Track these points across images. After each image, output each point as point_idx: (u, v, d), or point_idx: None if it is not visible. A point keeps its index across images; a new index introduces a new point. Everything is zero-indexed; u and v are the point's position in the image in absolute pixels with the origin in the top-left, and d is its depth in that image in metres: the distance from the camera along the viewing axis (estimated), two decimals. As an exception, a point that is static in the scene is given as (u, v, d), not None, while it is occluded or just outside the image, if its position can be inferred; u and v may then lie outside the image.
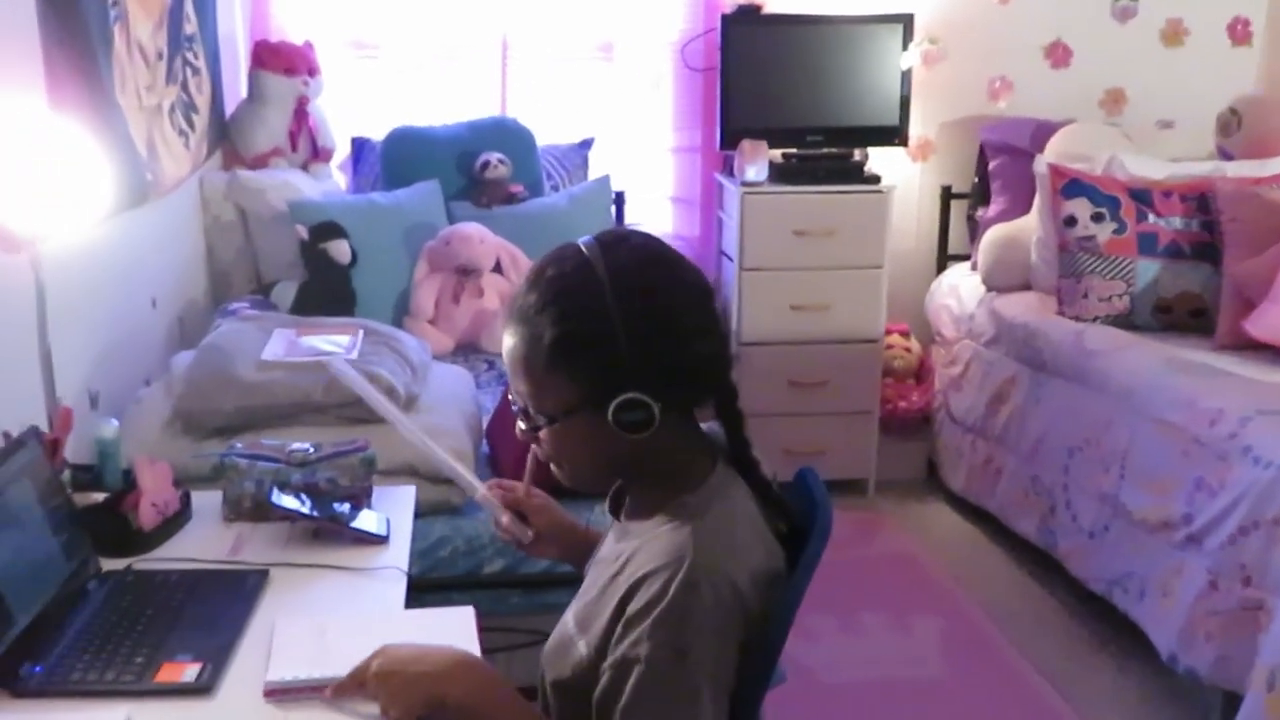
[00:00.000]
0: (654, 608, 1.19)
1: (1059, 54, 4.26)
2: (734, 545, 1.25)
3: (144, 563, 1.72)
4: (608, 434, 1.25)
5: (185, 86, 3.10)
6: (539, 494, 1.60)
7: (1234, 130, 3.92)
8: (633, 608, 1.21)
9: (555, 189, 3.90)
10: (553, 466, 1.36)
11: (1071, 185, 3.52)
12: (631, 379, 1.23)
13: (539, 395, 1.29)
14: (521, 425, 1.33)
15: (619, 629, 1.22)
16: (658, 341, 1.25)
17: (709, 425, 1.37)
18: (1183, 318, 3.38)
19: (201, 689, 1.39)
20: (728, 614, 1.21)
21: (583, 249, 1.28)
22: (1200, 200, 3.44)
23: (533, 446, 1.39)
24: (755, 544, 1.28)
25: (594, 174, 3.97)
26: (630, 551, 1.28)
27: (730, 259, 3.87)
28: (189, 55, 3.13)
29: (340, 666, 1.36)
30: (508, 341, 1.30)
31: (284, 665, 1.43)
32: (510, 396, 1.35)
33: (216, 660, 1.44)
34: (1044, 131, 3.93)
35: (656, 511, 1.29)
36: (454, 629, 1.52)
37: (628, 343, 1.23)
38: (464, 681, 1.30)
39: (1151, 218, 3.44)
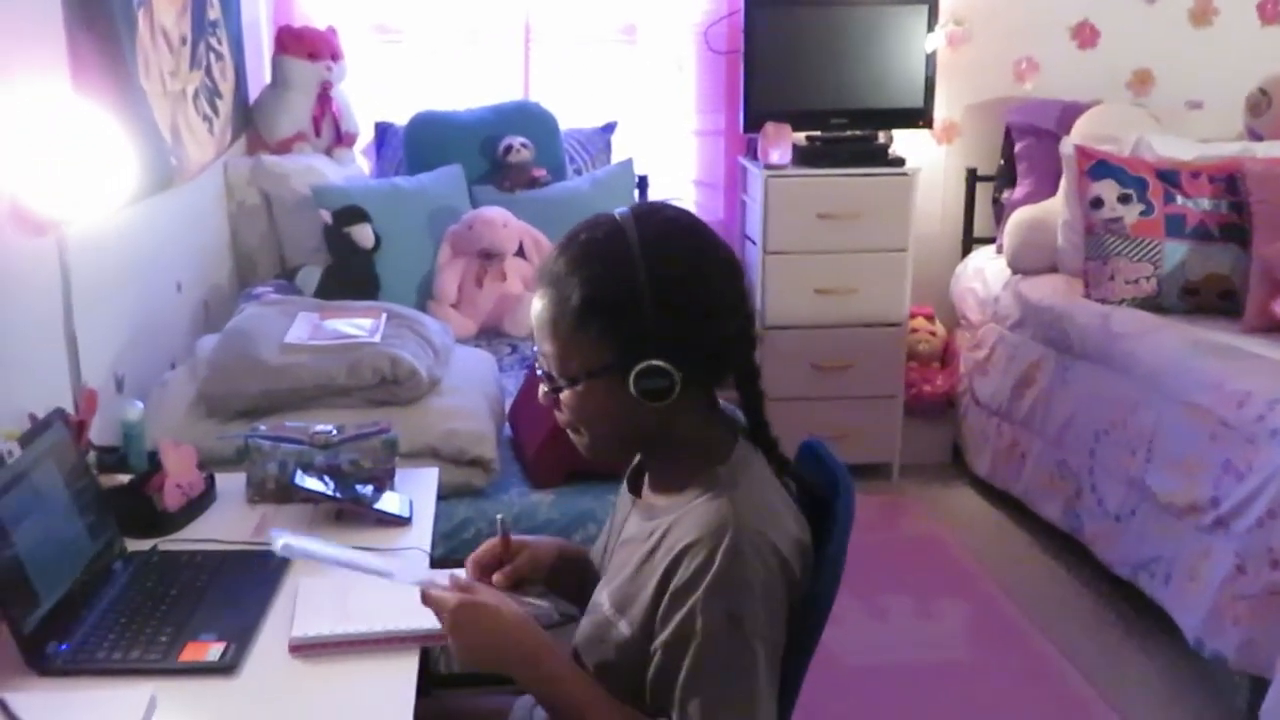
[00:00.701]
0: (702, 578, 1.20)
1: (1086, 34, 4.22)
2: (772, 513, 1.27)
3: (169, 543, 1.73)
4: (628, 401, 1.26)
5: (209, 72, 3.11)
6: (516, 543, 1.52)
7: (1264, 111, 3.87)
8: (678, 581, 1.22)
9: (578, 173, 3.89)
10: (572, 435, 1.36)
11: (1098, 166, 3.48)
12: (655, 347, 1.24)
13: (563, 356, 1.30)
14: (544, 388, 1.34)
15: (665, 604, 1.23)
16: (684, 312, 1.26)
17: (727, 404, 1.38)
18: (1210, 300, 3.35)
19: (226, 668, 1.40)
20: (775, 578, 1.23)
21: (616, 217, 1.30)
22: (1229, 181, 3.40)
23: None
24: (787, 514, 1.30)
25: (617, 158, 3.96)
26: (665, 526, 1.28)
27: (754, 242, 3.86)
28: (213, 40, 3.14)
29: (364, 624, 1.43)
30: (536, 304, 1.32)
31: (309, 622, 1.46)
32: (536, 361, 1.36)
33: (240, 640, 1.45)
34: (1071, 113, 3.89)
35: (687, 485, 1.30)
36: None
37: (654, 310, 1.24)
38: (529, 666, 1.31)
39: (1179, 199, 3.40)
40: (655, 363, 1.24)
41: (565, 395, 1.31)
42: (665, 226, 1.31)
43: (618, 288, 1.26)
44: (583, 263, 1.28)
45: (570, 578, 1.54)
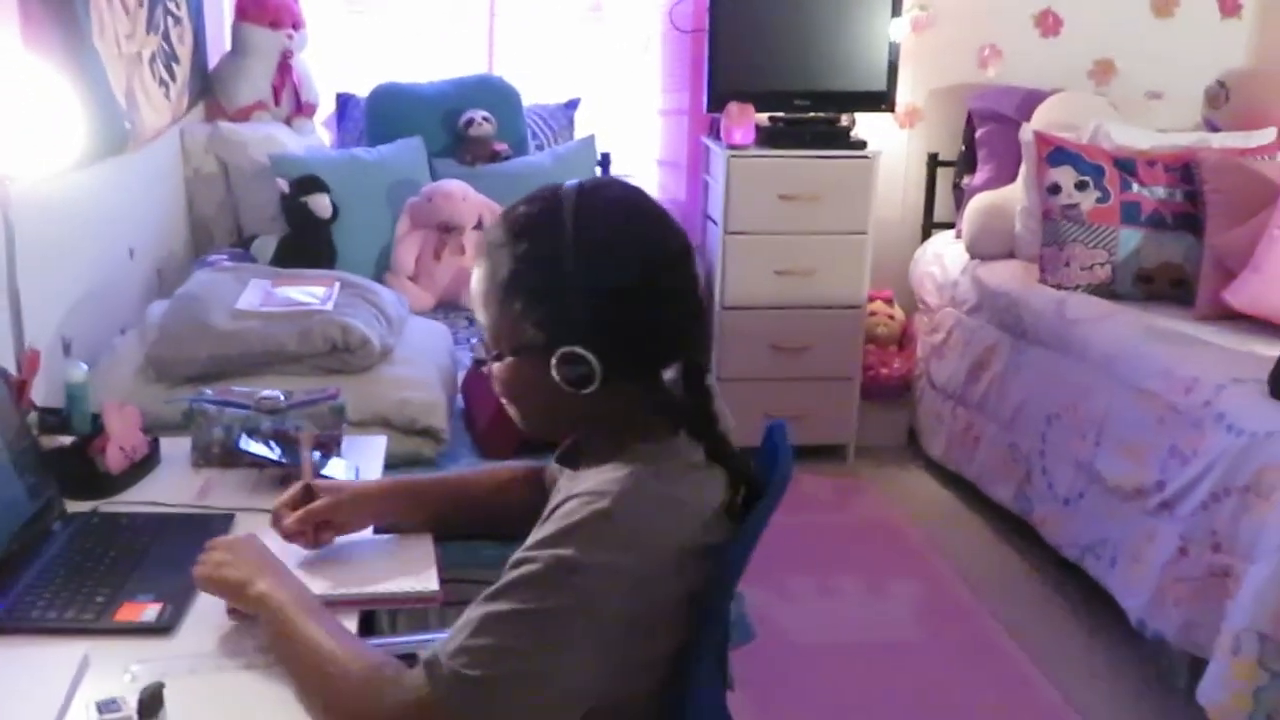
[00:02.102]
0: (563, 522, 1.15)
1: (1049, 23, 4.24)
2: (669, 507, 1.19)
3: (110, 505, 1.71)
4: (553, 383, 1.22)
5: (166, 36, 3.07)
6: (316, 487, 1.56)
7: (1222, 103, 3.91)
8: (548, 526, 1.17)
9: (540, 148, 3.88)
10: (506, 406, 1.34)
11: (1056, 153, 3.51)
12: (579, 332, 1.20)
13: (494, 329, 1.28)
14: (477, 356, 1.34)
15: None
16: (610, 300, 1.20)
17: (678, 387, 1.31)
18: (1164, 287, 3.39)
19: (161, 629, 1.39)
20: (634, 562, 1.14)
21: (559, 192, 1.25)
22: (1184, 170, 3.43)
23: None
24: (691, 516, 1.21)
25: (580, 134, 3.95)
26: (571, 490, 1.23)
27: (715, 223, 3.86)
28: (170, 4, 3.10)
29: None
30: (475, 273, 1.30)
31: None
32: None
33: (178, 601, 1.44)
34: (1032, 100, 3.91)
35: (609, 460, 1.23)
36: (414, 551, 1.56)
37: (578, 296, 1.20)
38: (277, 577, 1.34)
39: (1135, 187, 3.43)
40: (576, 350, 1.20)
41: (496, 368, 1.29)
42: (605, 208, 1.25)
43: (544, 269, 1.21)
44: (515, 237, 1.24)
45: (452, 514, 1.58)
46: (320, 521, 1.52)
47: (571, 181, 1.28)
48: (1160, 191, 3.42)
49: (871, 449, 4.06)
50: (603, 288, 1.20)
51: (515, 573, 1.14)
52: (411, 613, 1.90)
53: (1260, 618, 2.30)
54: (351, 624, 1.43)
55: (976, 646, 2.96)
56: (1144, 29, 4.26)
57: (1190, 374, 2.73)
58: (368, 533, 1.59)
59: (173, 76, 3.14)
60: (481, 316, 1.30)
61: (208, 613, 1.42)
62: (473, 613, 1.14)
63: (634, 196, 1.29)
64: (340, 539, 1.56)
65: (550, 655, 1.12)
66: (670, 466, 1.22)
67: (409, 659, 1.21)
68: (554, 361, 1.21)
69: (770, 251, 3.80)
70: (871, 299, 4.01)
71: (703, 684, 1.32)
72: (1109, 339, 3.09)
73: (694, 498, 1.23)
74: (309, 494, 1.55)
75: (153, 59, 2.94)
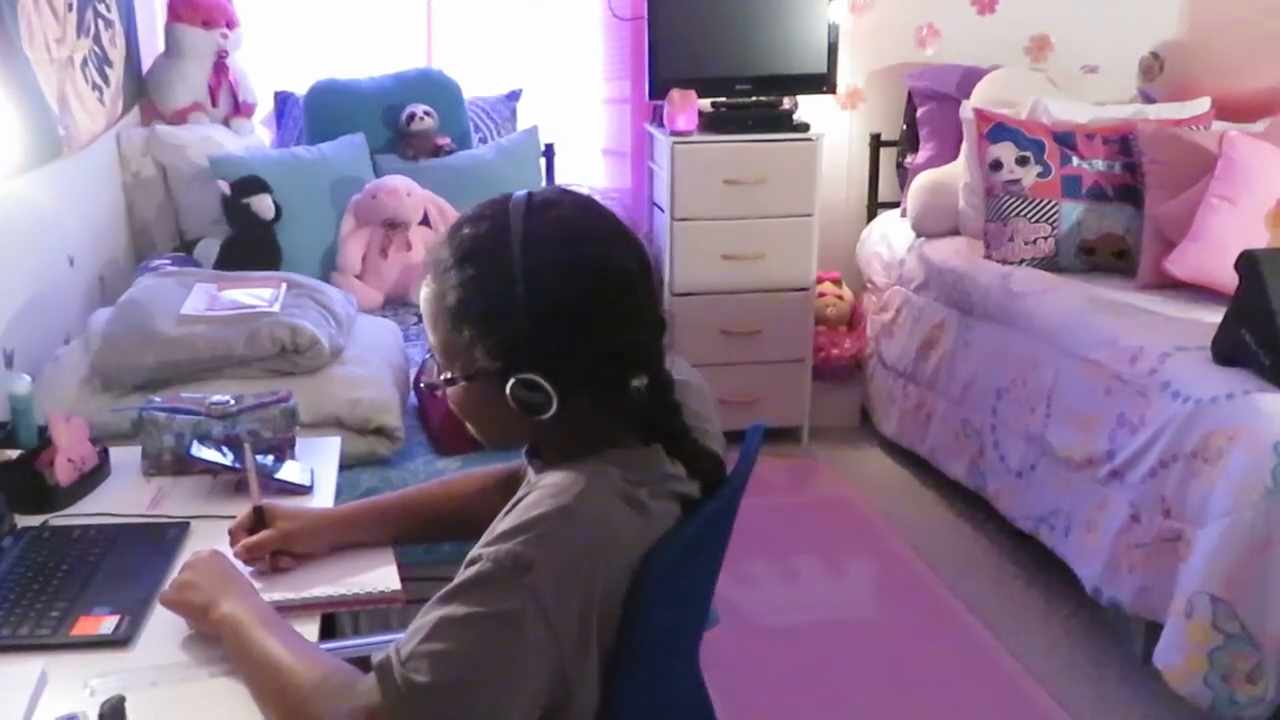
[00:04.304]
0: (522, 516, 1.12)
1: (985, 1, 4.28)
2: (632, 507, 1.16)
3: (61, 519, 1.69)
4: (508, 407, 1.19)
5: (98, 39, 3.02)
6: (271, 510, 1.55)
7: (1156, 74, 3.96)
8: (508, 520, 1.14)
9: (483, 141, 3.86)
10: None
11: (996, 129, 3.54)
12: (531, 359, 1.16)
13: (445, 352, 1.24)
14: (428, 381, 1.31)
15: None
16: (561, 327, 1.16)
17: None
18: (1106, 259, 3.43)
19: (119, 640, 1.37)
20: (588, 567, 1.11)
21: (508, 209, 1.20)
22: (1122, 143, 3.48)
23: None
24: (640, 527, 1.17)
25: (523, 126, 3.93)
26: (537, 483, 1.21)
27: (662, 210, 3.86)
28: (100, 7, 3.05)
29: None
30: (423, 290, 1.24)
31: None
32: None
33: (135, 612, 1.42)
34: (971, 78, 3.95)
35: (578, 459, 1.20)
36: (373, 551, 1.57)
37: (528, 323, 1.15)
38: (238, 597, 1.34)
39: (1075, 160, 3.47)
40: (530, 376, 1.16)
41: (450, 391, 1.26)
42: (554, 228, 1.19)
43: (491, 297, 1.17)
44: (462, 260, 1.19)
45: (419, 531, 1.59)
46: (276, 550, 1.52)
47: (520, 193, 1.22)
48: (1099, 164, 3.47)
49: (825, 430, 4.08)
50: (554, 313, 1.16)
51: (469, 572, 1.11)
52: (373, 613, 1.88)
53: (1211, 581, 2.34)
54: (313, 629, 1.42)
55: (936, 621, 2.99)
56: (1078, 4, 4.30)
57: (1135, 343, 2.77)
58: None
59: (106, 80, 3.09)
60: (431, 338, 1.25)
61: (167, 623, 1.40)
62: (426, 615, 1.11)
63: (584, 215, 1.23)
64: None
65: (504, 659, 1.08)
66: (640, 473, 1.19)
67: (368, 662, 1.20)
68: (509, 388, 1.18)
69: (717, 236, 3.81)
70: (820, 280, 4.03)
71: (680, 671, 1.32)
72: (1054, 311, 3.13)
73: (660, 508, 1.20)
74: (260, 515, 1.53)
75: (84, 63, 2.89)
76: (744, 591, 3.09)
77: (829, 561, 3.33)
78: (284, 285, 2.44)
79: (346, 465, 2.06)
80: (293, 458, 1.87)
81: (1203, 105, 3.68)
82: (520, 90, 4.01)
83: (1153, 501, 2.56)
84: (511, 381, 1.17)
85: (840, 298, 4.16)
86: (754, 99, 3.91)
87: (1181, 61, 3.95)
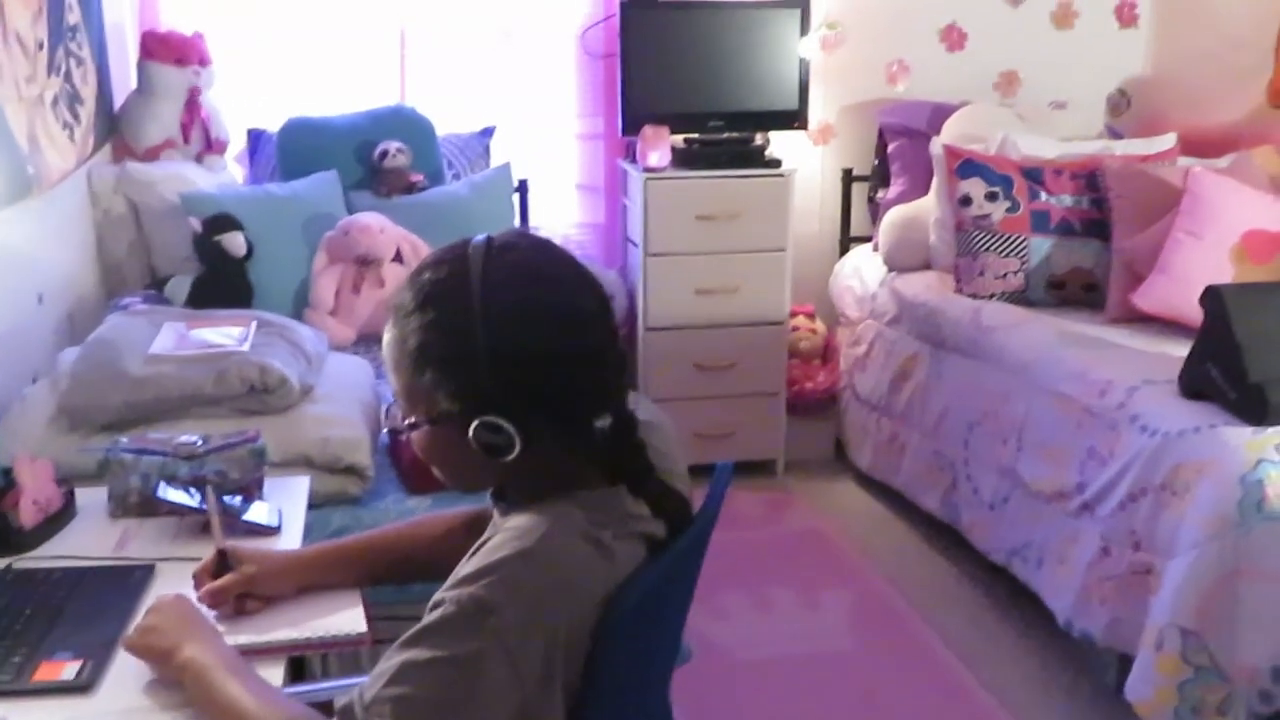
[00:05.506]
0: (486, 559, 1.13)
1: (954, 37, 4.33)
2: (596, 550, 1.17)
3: (25, 561, 1.67)
4: (472, 450, 1.19)
5: (69, 78, 3.02)
6: (235, 553, 1.54)
7: (1123, 110, 4.02)
8: (472, 563, 1.15)
9: (456, 178, 3.87)
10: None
11: (966, 165, 3.58)
12: (493, 402, 1.17)
13: (408, 396, 1.25)
14: (395, 425, 1.31)
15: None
16: (522, 369, 1.17)
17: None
18: (1075, 293, 3.46)
19: (81, 686, 1.36)
20: (550, 609, 1.12)
21: (468, 254, 1.21)
22: (1090, 178, 3.52)
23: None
24: (623, 566, 1.19)
25: (496, 163, 3.94)
26: (501, 525, 1.23)
27: (635, 245, 3.87)
28: (72, 45, 3.05)
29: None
30: (385, 335, 1.26)
31: None
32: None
33: (98, 657, 1.41)
34: (941, 114, 3.99)
35: (543, 501, 1.21)
36: (339, 592, 1.56)
37: (490, 365, 1.17)
38: (201, 641, 1.33)
39: (1044, 196, 3.51)
40: (493, 419, 1.17)
41: (414, 435, 1.26)
42: (514, 271, 1.20)
43: (452, 341, 1.18)
44: (423, 304, 1.20)
45: (385, 573, 1.58)
46: (241, 594, 1.51)
47: (479, 237, 1.23)
48: (1068, 200, 3.50)
49: (800, 463, 4.09)
50: (515, 356, 1.17)
51: (433, 616, 1.12)
52: (343, 654, 1.87)
53: (1181, 613, 2.35)
54: (279, 671, 1.41)
55: (910, 653, 2.99)
56: (1046, 41, 4.36)
57: (1104, 377, 2.80)
58: None
59: (77, 118, 3.09)
60: (393, 382, 1.26)
61: (129, 668, 1.39)
62: (390, 660, 1.12)
63: (541, 257, 1.26)
64: None
65: (467, 703, 1.09)
66: (604, 515, 1.20)
67: (332, 707, 1.19)
68: (471, 432, 1.18)
69: (691, 271, 3.82)
70: (793, 314, 4.05)
71: (650, 707, 1.32)
72: (1024, 345, 3.15)
73: (625, 549, 1.20)
74: (224, 558, 1.52)
75: (55, 101, 2.89)
76: (718, 625, 3.09)
77: (804, 594, 3.33)
78: (254, 323, 2.43)
79: (317, 504, 2.05)
80: (261, 498, 1.86)
81: (1169, 141, 3.73)
82: (494, 127, 4.02)
83: (1123, 534, 2.58)
84: (474, 424, 1.18)
85: (814, 331, 4.18)
86: (726, 135, 3.94)
87: (1147, 97, 4.01)
